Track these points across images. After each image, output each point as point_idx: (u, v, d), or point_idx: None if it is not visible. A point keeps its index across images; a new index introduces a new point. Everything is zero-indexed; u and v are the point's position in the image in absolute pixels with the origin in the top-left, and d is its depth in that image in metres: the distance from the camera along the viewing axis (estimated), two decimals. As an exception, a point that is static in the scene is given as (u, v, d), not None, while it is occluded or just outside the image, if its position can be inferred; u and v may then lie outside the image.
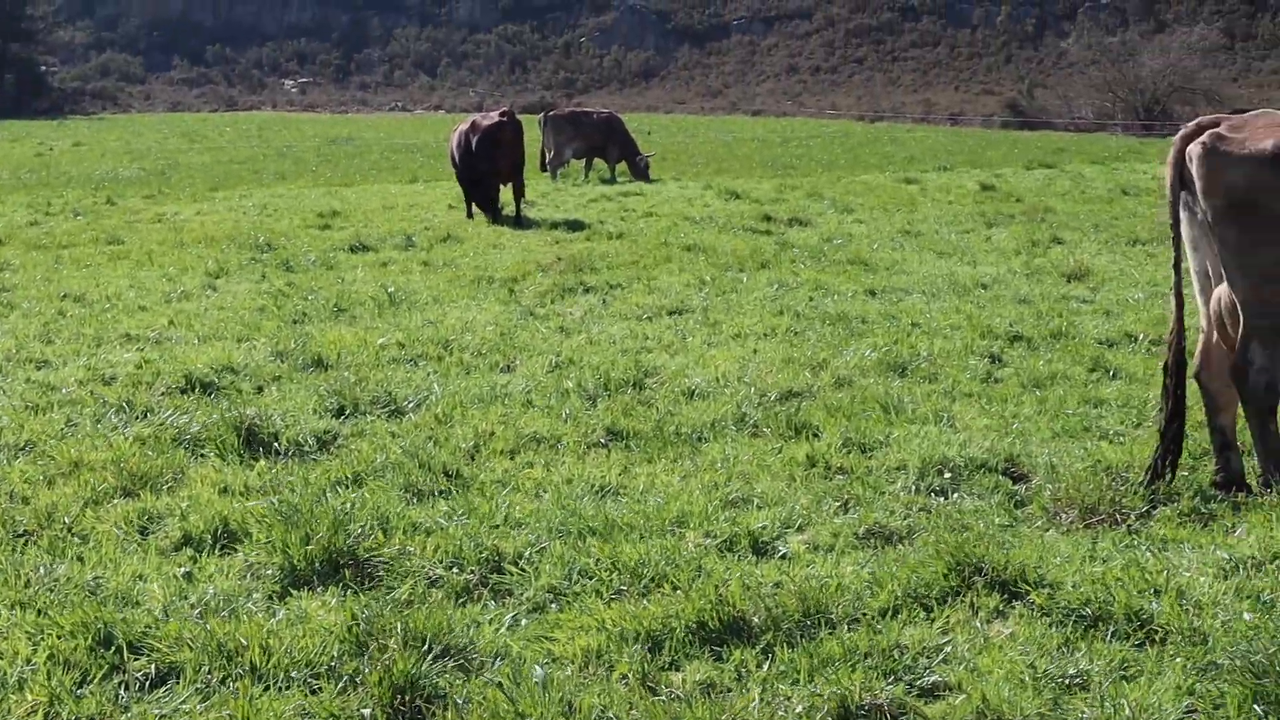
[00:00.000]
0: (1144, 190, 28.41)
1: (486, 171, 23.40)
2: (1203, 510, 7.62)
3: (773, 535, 7.30)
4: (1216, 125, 8.10)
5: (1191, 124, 8.34)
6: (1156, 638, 5.91)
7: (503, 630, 6.13)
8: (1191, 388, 8.26)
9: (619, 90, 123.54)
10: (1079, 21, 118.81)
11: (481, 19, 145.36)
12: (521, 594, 6.57)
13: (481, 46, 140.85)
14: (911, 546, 7.11)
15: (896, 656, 5.76)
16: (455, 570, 6.82)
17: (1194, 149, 8.00)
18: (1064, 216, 23.08)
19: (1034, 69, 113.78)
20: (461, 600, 6.52)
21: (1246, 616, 5.97)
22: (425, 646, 5.78)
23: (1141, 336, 12.35)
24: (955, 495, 8.03)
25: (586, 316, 14.09)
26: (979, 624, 6.11)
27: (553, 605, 6.44)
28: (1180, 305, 8.33)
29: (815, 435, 9.28)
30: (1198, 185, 7.98)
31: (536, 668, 5.71)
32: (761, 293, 15.27)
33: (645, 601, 6.33)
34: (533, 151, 29.60)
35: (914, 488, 8.13)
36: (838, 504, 7.85)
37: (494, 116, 24.18)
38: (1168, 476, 8.03)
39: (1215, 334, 8.27)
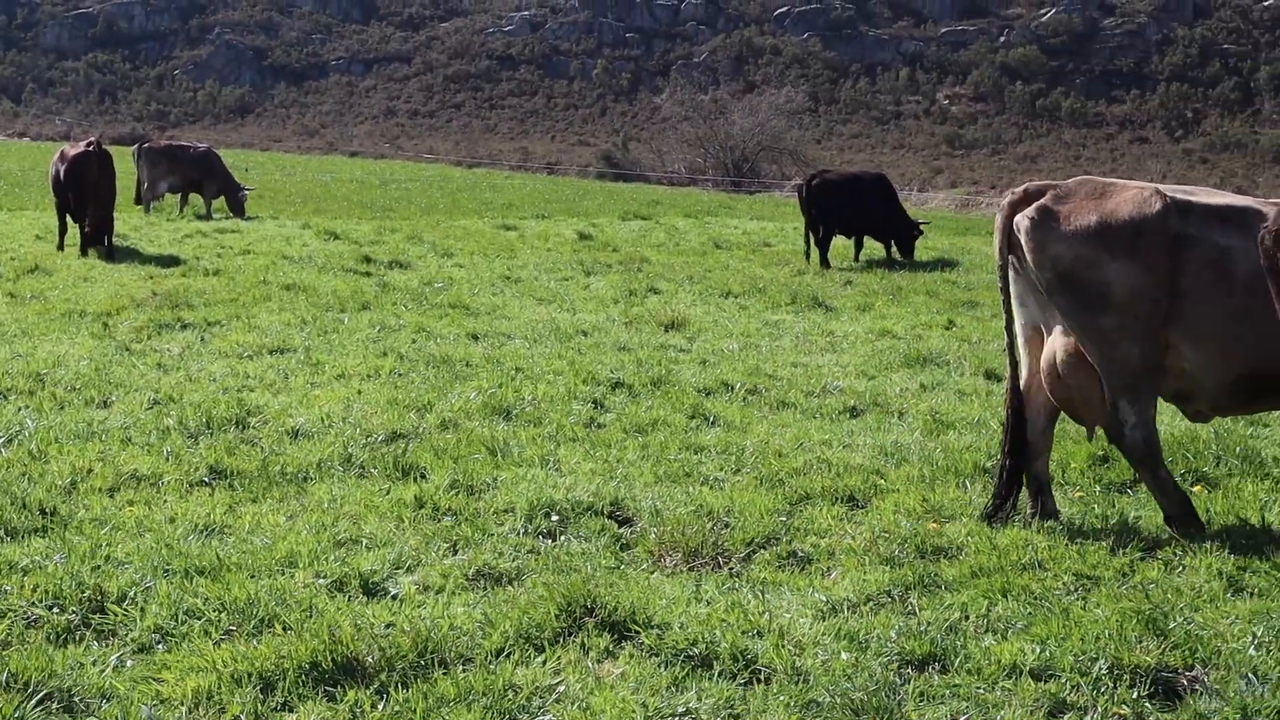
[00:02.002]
0: (735, 244, 29.39)
1: (73, 202, 22.59)
2: (800, 554, 7.91)
3: (383, 576, 7.26)
4: (1042, 194, 8.50)
5: (1019, 190, 8.72)
6: (761, 677, 6.11)
7: (108, 671, 5.92)
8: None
9: (213, 125, 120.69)
10: (672, 78, 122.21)
11: (70, 45, 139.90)
12: (126, 634, 6.35)
13: (69, 74, 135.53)
14: (522, 587, 7.16)
15: (511, 696, 5.80)
16: (55, 610, 6.54)
17: (1021, 221, 8.36)
18: (660, 267, 23.66)
19: (629, 122, 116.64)
20: (63, 641, 6.26)
21: (844, 656, 6.25)
22: (28, 689, 5.53)
23: (738, 385, 12.75)
24: (563, 537, 8.13)
25: (185, 353, 13.72)
26: (590, 664, 6.21)
27: (160, 646, 6.24)
28: (1014, 364, 8.76)
29: (423, 476, 9.27)
30: (1027, 256, 8.38)
31: (144, 708, 5.54)
32: (364, 334, 15.16)
33: (256, 642, 6.20)
34: (126, 184, 28.60)
35: (522, 530, 8.20)
36: (447, 545, 7.86)
37: (81, 146, 23.34)
38: (1005, 512, 8.55)
39: (1044, 385, 8.67)
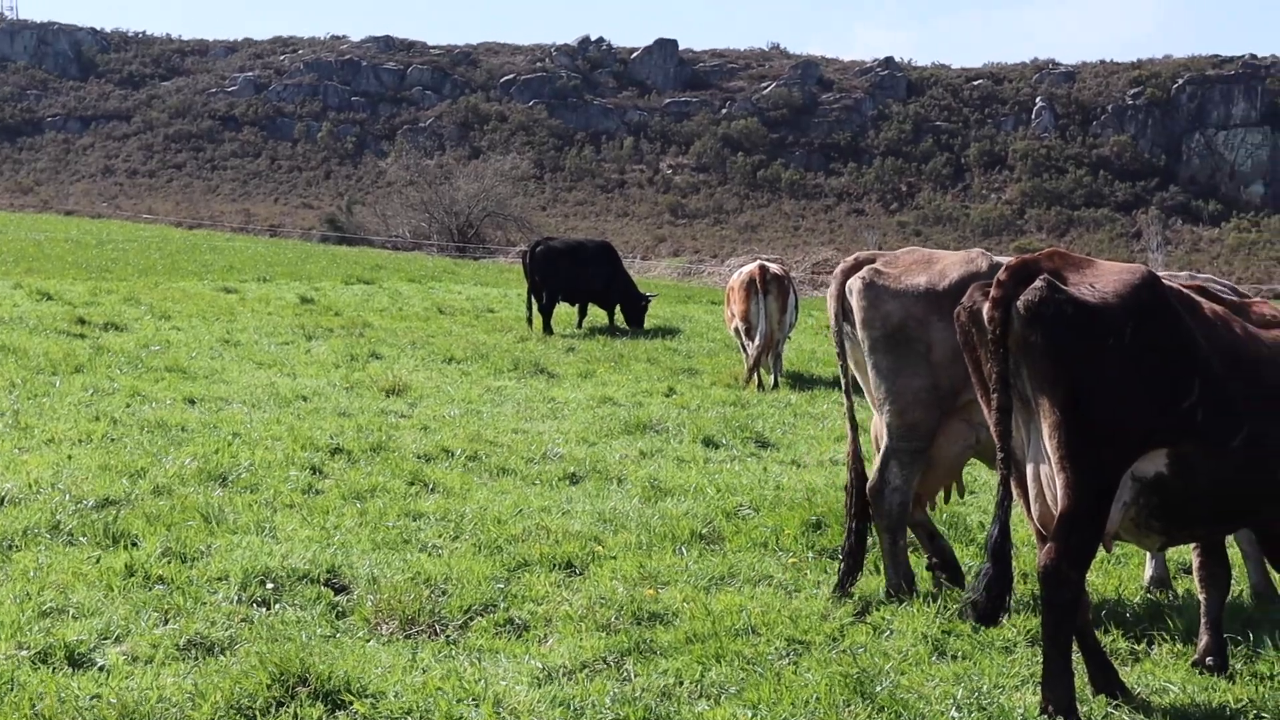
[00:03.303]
0: (458, 310, 29.39)
1: None
2: (517, 621, 7.94)
3: (90, 646, 7.06)
4: (872, 261, 8.64)
5: (850, 259, 8.89)
6: (476, 745, 6.11)
7: None
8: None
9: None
10: (398, 142, 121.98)
11: None
12: None
13: None
14: (234, 657, 7.05)
15: (220, 769, 5.69)
16: None
17: (854, 283, 8.48)
18: (382, 332, 23.53)
19: (354, 186, 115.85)
20: None
21: (558, 721, 6.29)
22: None
23: (458, 451, 12.74)
24: (278, 605, 8.02)
25: (-119, 416, 13.15)
26: (303, 734, 6.12)
27: None
28: (854, 428, 8.87)
29: (134, 544, 9.05)
30: (857, 316, 8.50)
31: None
32: (76, 397, 14.72)
33: (-49, 719, 5.98)
34: None
35: (236, 598, 8.07)
36: (158, 614, 7.69)
37: None
38: (855, 576, 8.68)
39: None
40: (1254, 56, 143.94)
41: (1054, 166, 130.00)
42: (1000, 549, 6.66)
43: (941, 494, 9.43)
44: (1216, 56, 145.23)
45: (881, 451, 8.71)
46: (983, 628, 7.28)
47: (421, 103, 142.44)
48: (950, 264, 8.61)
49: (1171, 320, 6.64)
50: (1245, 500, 7.05)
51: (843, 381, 9.10)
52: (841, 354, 8.98)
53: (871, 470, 8.84)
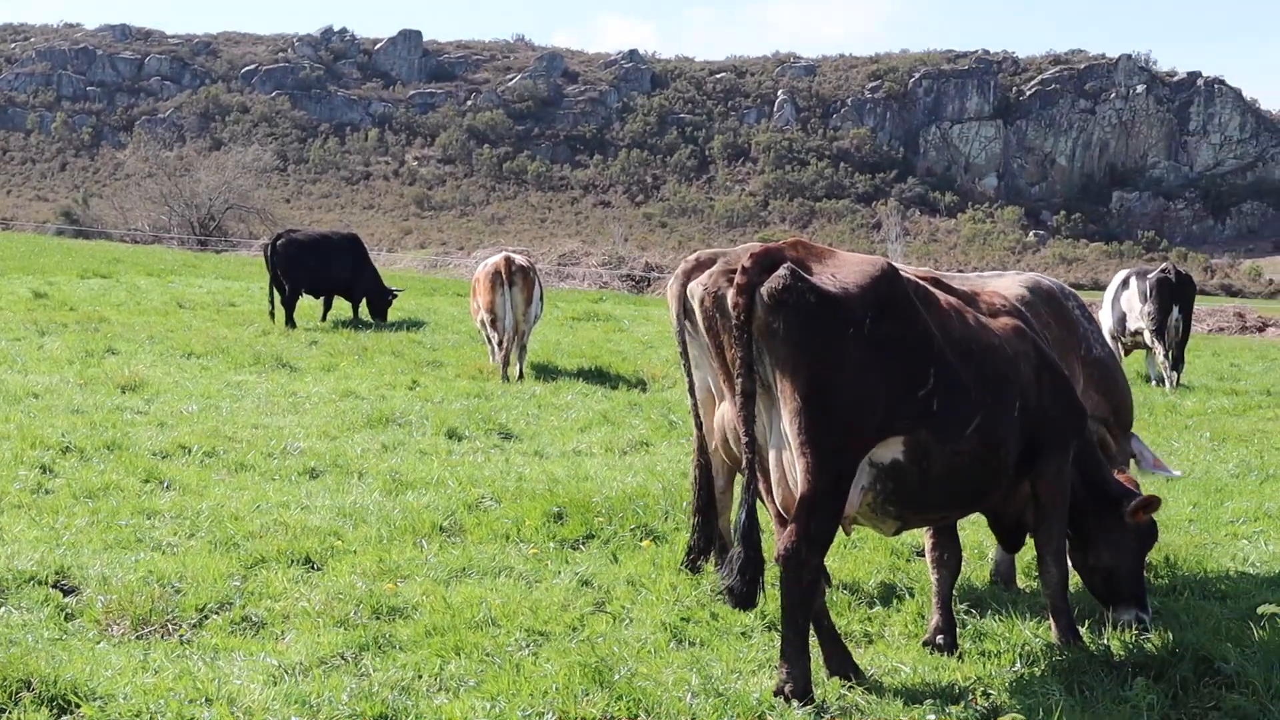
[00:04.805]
0: (199, 304, 28.79)
1: None
2: (254, 618, 7.82)
3: None
4: (713, 262, 8.47)
5: (690, 259, 8.81)
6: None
7: None
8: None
9: None
10: (136, 134, 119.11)
11: None
12: None
13: None
14: (-45, 666, 6.80)
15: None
16: None
17: (695, 289, 8.31)
18: (119, 327, 22.93)
19: (90, 178, 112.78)
20: None
21: None
22: None
23: (196, 448, 12.50)
24: (3, 609, 7.78)
25: None
26: (27, 741, 5.96)
27: None
28: (699, 425, 8.86)
29: None
30: (701, 324, 8.32)
31: None
32: None
33: None
34: None
35: (-42, 604, 7.81)
36: (-127, 624, 7.39)
37: None
38: (700, 565, 8.85)
39: (719, 447, 8.73)
40: (986, 52, 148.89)
41: (796, 159, 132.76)
42: (749, 533, 6.75)
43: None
44: (951, 52, 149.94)
45: None
46: (739, 610, 7.32)
47: (160, 93, 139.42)
48: None
49: (909, 312, 6.83)
50: (978, 486, 7.30)
51: (687, 382, 9.13)
52: (683, 352, 8.98)
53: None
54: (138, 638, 7.44)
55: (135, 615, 7.62)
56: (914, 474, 6.98)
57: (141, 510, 10.18)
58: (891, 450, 6.91)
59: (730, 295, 6.66)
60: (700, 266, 8.76)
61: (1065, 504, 7.80)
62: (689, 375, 9.10)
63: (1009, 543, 8.17)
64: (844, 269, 6.82)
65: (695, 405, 9.11)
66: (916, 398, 6.81)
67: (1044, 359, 7.71)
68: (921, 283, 7.25)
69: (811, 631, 7.00)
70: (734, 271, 6.74)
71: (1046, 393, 7.60)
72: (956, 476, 7.12)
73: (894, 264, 7.09)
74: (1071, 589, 8.17)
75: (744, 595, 6.78)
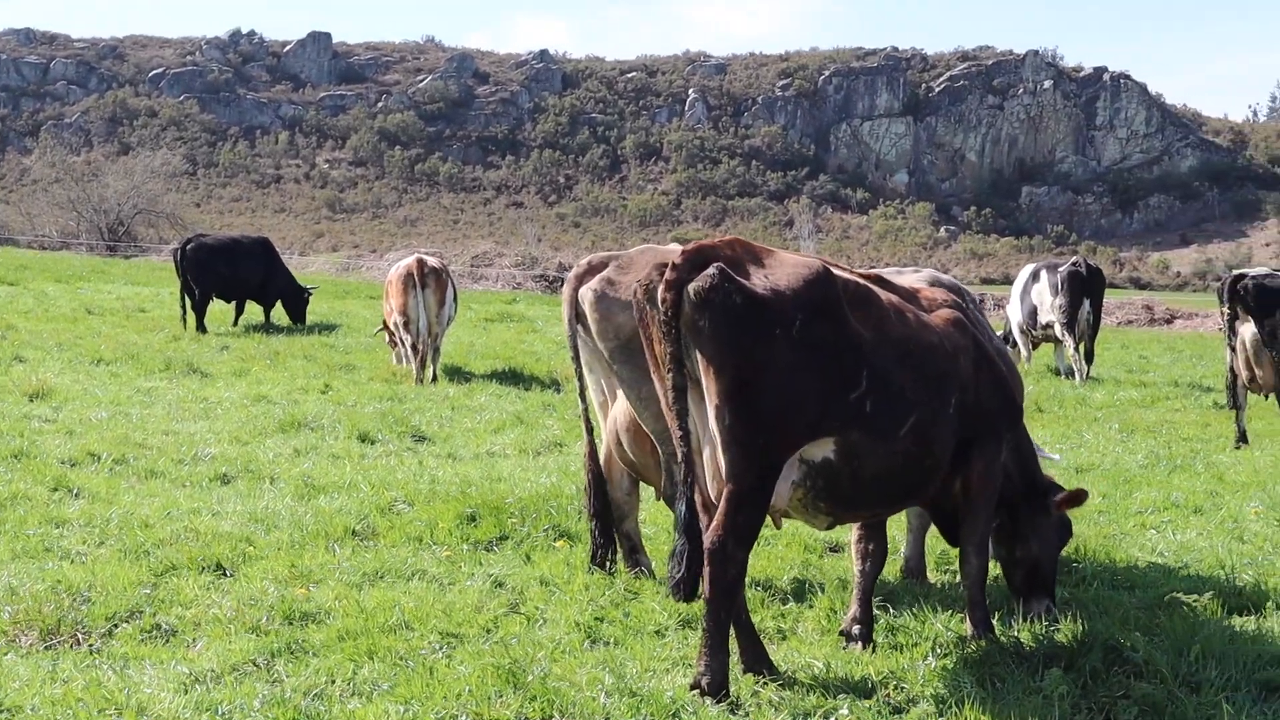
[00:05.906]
0: (108, 310, 28.49)
1: None
2: (165, 626, 7.76)
3: None
4: (605, 266, 8.42)
5: (583, 263, 8.73)
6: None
7: None
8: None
9: None
10: (42, 139, 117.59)
11: None
12: None
13: None
14: None
15: None
16: None
17: (585, 294, 8.29)
18: (27, 335, 22.65)
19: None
20: None
21: (203, 728, 6.20)
22: None
23: (105, 455, 12.38)
24: (-94, 624, 7.67)
25: None
26: (-67, 755, 5.89)
27: None
28: (590, 430, 8.85)
29: None
30: (593, 328, 8.31)
31: None
32: None
33: None
34: None
35: None
36: None
37: None
38: (609, 564, 8.94)
39: (614, 449, 8.76)
40: (895, 49, 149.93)
41: (708, 157, 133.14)
42: (691, 525, 6.78)
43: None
44: (860, 49, 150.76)
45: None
46: (684, 602, 7.32)
47: (66, 98, 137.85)
48: None
49: (841, 315, 6.86)
50: (911, 484, 7.36)
51: (579, 386, 9.13)
52: (575, 357, 8.99)
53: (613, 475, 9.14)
54: (46, 648, 7.36)
55: (44, 625, 7.54)
56: (846, 473, 7.02)
57: (50, 519, 10.07)
58: (823, 449, 6.94)
59: (659, 291, 6.68)
60: (591, 271, 8.77)
61: (994, 496, 7.88)
62: (580, 379, 9.14)
63: (951, 535, 8.21)
64: (777, 270, 6.83)
65: (585, 410, 9.15)
66: (849, 400, 6.84)
67: (982, 352, 7.78)
68: (862, 282, 7.28)
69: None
70: (666, 266, 6.76)
71: (984, 386, 7.68)
72: (890, 475, 7.17)
73: (830, 266, 7.12)
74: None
75: (691, 587, 6.80)
